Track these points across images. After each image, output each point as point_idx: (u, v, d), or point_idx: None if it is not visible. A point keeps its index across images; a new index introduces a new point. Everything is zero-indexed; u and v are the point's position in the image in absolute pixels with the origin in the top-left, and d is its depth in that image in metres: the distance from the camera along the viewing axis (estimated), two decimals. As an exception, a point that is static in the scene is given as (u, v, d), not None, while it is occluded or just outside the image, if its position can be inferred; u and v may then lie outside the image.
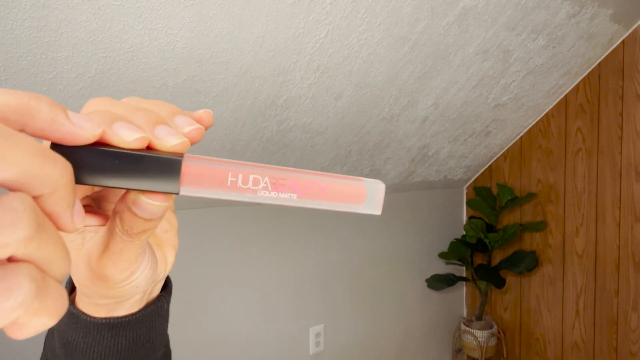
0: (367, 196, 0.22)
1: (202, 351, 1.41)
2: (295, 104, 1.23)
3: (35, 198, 0.15)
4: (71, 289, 0.29)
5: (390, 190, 1.89)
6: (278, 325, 1.60)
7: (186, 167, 0.19)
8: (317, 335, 1.69)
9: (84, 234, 0.24)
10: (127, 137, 0.19)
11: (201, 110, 0.23)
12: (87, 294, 0.26)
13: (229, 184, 0.20)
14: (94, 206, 0.26)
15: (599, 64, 1.73)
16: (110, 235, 0.22)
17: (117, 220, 0.21)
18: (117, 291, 0.24)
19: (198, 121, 0.23)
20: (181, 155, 0.20)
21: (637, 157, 1.65)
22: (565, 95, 1.84)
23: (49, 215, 0.16)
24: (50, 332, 0.31)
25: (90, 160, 0.18)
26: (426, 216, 2.07)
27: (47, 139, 0.17)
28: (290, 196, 0.21)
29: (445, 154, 1.84)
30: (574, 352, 1.86)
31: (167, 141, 0.20)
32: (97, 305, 0.26)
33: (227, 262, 1.46)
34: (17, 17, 0.75)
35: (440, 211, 2.14)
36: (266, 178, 0.20)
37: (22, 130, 0.16)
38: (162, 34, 0.89)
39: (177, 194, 0.20)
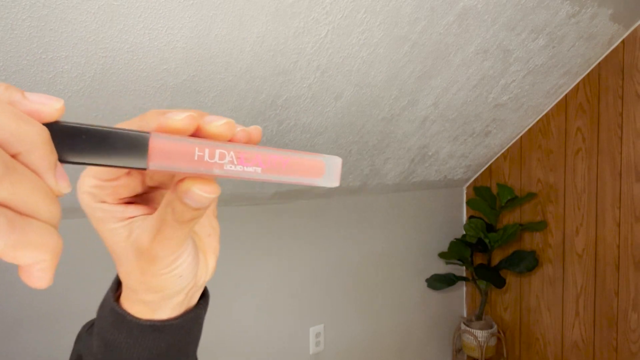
0: (326, 170, 0.24)
1: (201, 351, 1.41)
2: (295, 104, 1.23)
3: (14, 156, 0.16)
4: (116, 288, 0.30)
5: (390, 190, 1.89)
6: (278, 325, 1.60)
7: (154, 142, 0.20)
8: (317, 335, 1.69)
9: (132, 224, 0.26)
10: (177, 116, 0.20)
11: (252, 127, 0.24)
12: (134, 287, 0.27)
13: (196, 158, 0.21)
14: (139, 201, 0.27)
15: (599, 63, 1.73)
16: (161, 222, 0.24)
17: (169, 209, 0.23)
18: (162, 279, 0.26)
19: (248, 134, 0.24)
20: (148, 132, 0.20)
21: (637, 157, 1.65)
22: (565, 95, 1.84)
23: None
24: (87, 332, 0.32)
25: (58, 137, 0.18)
26: (426, 216, 2.07)
27: None
28: (255, 170, 0.22)
29: (445, 153, 1.84)
30: (574, 352, 1.86)
31: (216, 121, 0.21)
32: (142, 302, 0.27)
33: (226, 262, 1.46)
34: (17, 17, 0.75)
35: (440, 211, 2.14)
36: (232, 153, 0.21)
37: None
38: (162, 34, 0.89)
39: (145, 169, 0.20)
